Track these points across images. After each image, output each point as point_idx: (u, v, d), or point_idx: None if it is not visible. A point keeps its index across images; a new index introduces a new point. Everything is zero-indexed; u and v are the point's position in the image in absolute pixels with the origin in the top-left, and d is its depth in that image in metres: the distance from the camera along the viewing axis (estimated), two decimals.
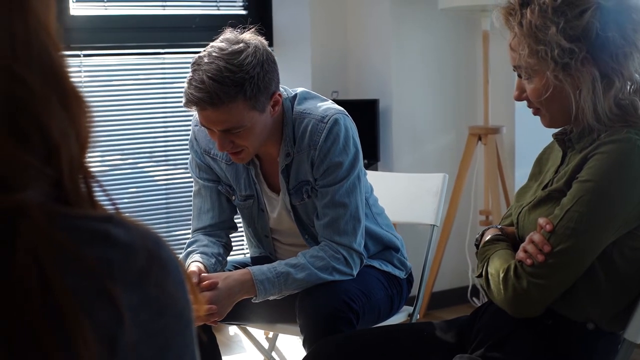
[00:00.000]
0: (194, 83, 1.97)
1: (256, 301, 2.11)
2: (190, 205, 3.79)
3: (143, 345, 0.65)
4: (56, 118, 0.67)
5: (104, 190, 0.72)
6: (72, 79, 0.70)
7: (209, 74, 1.95)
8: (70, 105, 0.69)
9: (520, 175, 3.89)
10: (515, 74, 1.76)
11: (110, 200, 0.72)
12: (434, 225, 2.53)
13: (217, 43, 2.02)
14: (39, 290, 0.59)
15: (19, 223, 0.61)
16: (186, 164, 3.75)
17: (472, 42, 4.04)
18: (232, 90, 1.95)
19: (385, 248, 2.36)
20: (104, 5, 3.65)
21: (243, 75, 1.96)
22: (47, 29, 0.69)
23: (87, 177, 0.70)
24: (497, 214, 3.66)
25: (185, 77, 1.95)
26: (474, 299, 4.06)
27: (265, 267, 2.12)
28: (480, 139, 3.73)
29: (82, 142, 0.70)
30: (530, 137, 3.88)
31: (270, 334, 3.39)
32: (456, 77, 4.04)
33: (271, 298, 2.13)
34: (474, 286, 4.05)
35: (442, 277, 3.94)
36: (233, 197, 2.29)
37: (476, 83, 4.05)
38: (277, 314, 2.29)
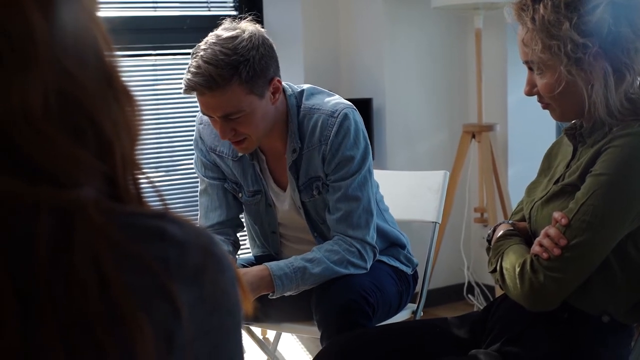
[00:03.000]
0: (191, 69, 2.01)
1: (273, 297, 2.11)
2: (184, 208, 3.82)
3: (198, 342, 0.65)
4: (108, 114, 0.67)
5: (154, 187, 0.72)
6: (122, 76, 0.70)
7: (204, 59, 1.98)
8: (121, 101, 0.68)
9: (514, 172, 3.91)
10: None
11: (160, 197, 0.72)
12: (435, 222, 2.54)
13: (215, 32, 2.06)
14: (97, 288, 0.60)
15: (75, 220, 0.61)
16: (175, 166, 3.76)
17: (464, 40, 4.05)
18: (227, 73, 1.98)
19: (392, 245, 2.37)
20: None
21: (238, 57, 1.98)
22: (97, 24, 0.68)
23: (137, 174, 0.70)
24: (492, 211, 3.67)
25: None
26: (469, 296, 4.07)
27: (282, 262, 2.12)
28: (474, 136, 3.74)
29: (132, 138, 0.70)
30: (524, 134, 3.90)
31: (267, 335, 3.39)
32: (449, 75, 4.05)
33: (287, 294, 2.13)
34: (469, 283, 4.06)
35: (438, 275, 3.95)
36: (240, 194, 2.29)
37: (469, 81, 4.06)
38: (288, 314, 2.28)
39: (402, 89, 3.92)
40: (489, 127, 3.72)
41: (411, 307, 2.45)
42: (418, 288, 2.52)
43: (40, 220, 0.60)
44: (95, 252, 0.60)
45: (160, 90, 3.82)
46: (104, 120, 0.66)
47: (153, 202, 0.72)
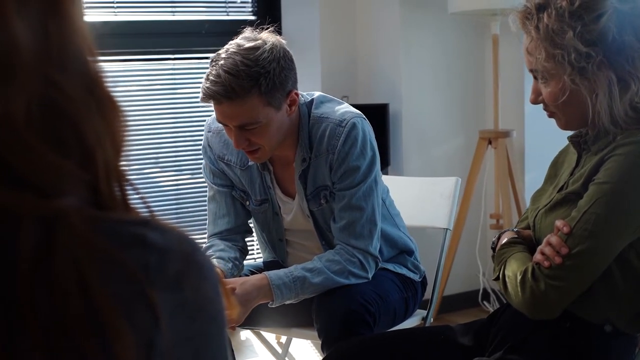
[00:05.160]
0: (210, 77, 2.00)
1: (273, 306, 2.12)
2: (201, 211, 3.85)
3: (179, 348, 0.65)
4: (92, 123, 0.67)
5: (139, 194, 0.72)
6: (107, 84, 0.71)
7: (225, 68, 1.98)
8: (105, 109, 0.69)
9: (531, 178, 3.89)
10: (527, 78, 1.77)
11: (145, 204, 0.73)
12: (446, 229, 2.54)
13: (236, 40, 2.05)
14: (78, 295, 0.60)
15: (58, 229, 0.61)
16: (196, 169, 3.78)
17: (481, 46, 4.05)
18: (247, 84, 1.98)
19: (400, 252, 2.37)
20: (114, 11, 3.66)
21: (258, 69, 1.98)
22: (81, 34, 0.69)
23: (122, 182, 0.70)
24: (508, 218, 3.66)
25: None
26: (484, 302, 4.06)
27: (281, 271, 2.13)
28: (490, 142, 3.74)
29: (116, 146, 0.70)
30: (540, 140, 3.88)
31: (282, 339, 3.39)
32: (466, 81, 4.04)
33: (287, 302, 2.13)
34: (484, 289, 4.05)
35: (453, 281, 3.94)
36: (247, 202, 2.30)
37: (486, 87, 4.05)
38: (291, 318, 2.29)
39: (418, 95, 3.92)
40: (506, 133, 3.71)
41: (421, 313, 2.45)
42: (429, 295, 2.52)
43: (24, 228, 0.61)
44: (77, 260, 0.61)
45: (179, 93, 3.84)
46: (87, 129, 0.66)
47: (141, 209, 0.73)
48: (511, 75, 3.86)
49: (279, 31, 2.14)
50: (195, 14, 3.93)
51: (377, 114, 3.80)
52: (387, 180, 2.63)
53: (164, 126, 3.82)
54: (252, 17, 3.95)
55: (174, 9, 3.83)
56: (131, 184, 0.72)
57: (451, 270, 3.86)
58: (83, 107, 0.66)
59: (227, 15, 3.95)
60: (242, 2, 4.01)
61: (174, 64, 3.83)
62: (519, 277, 1.65)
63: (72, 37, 0.68)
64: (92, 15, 3.61)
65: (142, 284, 0.63)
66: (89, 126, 0.66)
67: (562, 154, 1.89)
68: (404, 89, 3.87)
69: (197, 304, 0.67)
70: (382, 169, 3.69)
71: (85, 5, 3.24)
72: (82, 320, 0.60)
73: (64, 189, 0.64)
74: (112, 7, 3.66)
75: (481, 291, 4.06)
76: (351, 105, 2.27)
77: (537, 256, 1.64)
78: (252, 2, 3.98)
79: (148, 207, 0.72)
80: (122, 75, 3.74)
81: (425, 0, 3.88)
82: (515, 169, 3.75)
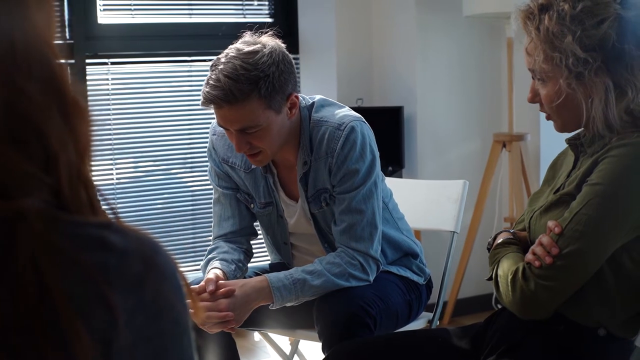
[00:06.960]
0: (210, 82, 2.02)
1: (273, 308, 2.13)
2: None
3: (138, 349, 0.66)
4: (55, 127, 0.68)
5: (104, 198, 0.74)
6: (73, 88, 0.72)
7: (224, 72, 1.99)
8: (69, 113, 0.70)
9: None
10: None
11: (110, 207, 0.74)
12: (454, 232, 2.53)
13: (235, 45, 2.07)
14: (37, 295, 0.61)
15: (18, 229, 0.63)
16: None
17: (496, 49, 4.04)
18: (247, 88, 1.99)
19: (404, 255, 2.37)
20: (131, 14, 3.70)
21: (258, 73, 2.00)
22: (46, 40, 0.70)
23: (88, 185, 0.72)
24: None
25: None
26: (498, 305, 4.03)
27: (281, 274, 2.14)
28: (504, 146, 3.73)
29: (81, 150, 0.71)
30: (555, 144, 3.84)
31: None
32: (481, 84, 4.03)
33: (288, 304, 2.15)
34: None
35: (467, 284, 3.93)
36: (252, 205, 2.31)
37: (501, 90, 4.04)
38: (295, 320, 2.30)
39: (433, 98, 3.92)
40: (520, 137, 3.71)
41: (427, 316, 2.44)
42: (435, 298, 2.51)
43: None
44: (36, 260, 0.62)
45: (196, 95, 3.87)
46: (50, 132, 0.67)
47: (109, 212, 0.74)
48: (526, 79, 3.78)
49: (279, 34, 2.15)
50: (212, 16, 3.95)
51: (392, 117, 3.80)
52: (395, 183, 2.63)
53: (180, 127, 3.84)
54: (269, 20, 3.97)
55: (190, 12, 3.86)
56: (97, 188, 0.73)
57: (465, 273, 3.85)
58: (46, 111, 0.67)
59: (244, 17, 3.97)
60: (259, 5, 4.03)
61: (190, 66, 3.85)
62: (509, 277, 1.66)
63: (38, 43, 0.69)
64: (109, 18, 3.65)
65: (101, 285, 0.64)
66: (52, 130, 0.68)
67: (561, 156, 1.90)
68: (419, 91, 3.87)
69: (157, 305, 0.67)
70: (396, 172, 3.72)
71: (103, 7, 3.24)
72: (41, 320, 0.61)
73: (26, 191, 0.65)
74: (130, 9, 3.69)
75: (494, 294, 4.04)
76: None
77: (529, 256, 1.64)
78: (269, 4, 4.00)
79: (113, 210, 0.74)
80: (139, 77, 3.78)
81: (440, 3, 3.88)
82: (530, 173, 3.74)
